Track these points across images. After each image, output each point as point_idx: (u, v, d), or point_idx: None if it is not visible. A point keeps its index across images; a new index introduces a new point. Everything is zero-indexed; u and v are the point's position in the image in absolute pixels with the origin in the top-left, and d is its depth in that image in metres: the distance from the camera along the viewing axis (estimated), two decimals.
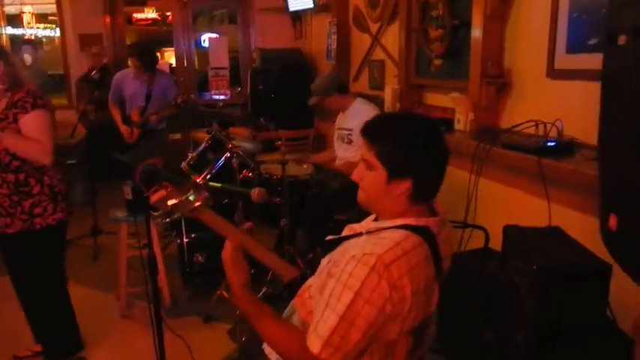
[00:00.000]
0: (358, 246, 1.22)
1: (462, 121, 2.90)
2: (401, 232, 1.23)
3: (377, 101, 3.84)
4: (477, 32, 2.79)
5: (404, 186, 1.27)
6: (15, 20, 7.31)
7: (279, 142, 3.34)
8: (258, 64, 6.02)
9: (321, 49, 5.53)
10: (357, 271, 1.16)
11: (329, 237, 1.39)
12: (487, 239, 2.23)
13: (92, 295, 3.50)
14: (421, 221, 1.27)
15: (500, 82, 2.74)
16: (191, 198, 1.53)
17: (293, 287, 1.48)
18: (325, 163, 3.82)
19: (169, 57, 8.26)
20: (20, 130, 2.29)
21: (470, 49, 2.85)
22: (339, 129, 3.59)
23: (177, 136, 6.29)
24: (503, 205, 2.56)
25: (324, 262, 1.36)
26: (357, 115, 3.39)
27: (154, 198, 1.51)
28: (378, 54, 4.34)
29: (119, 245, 3.28)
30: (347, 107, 3.53)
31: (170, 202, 1.51)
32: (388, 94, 3.84)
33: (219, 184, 2.73)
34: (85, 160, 4.85)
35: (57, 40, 7.56)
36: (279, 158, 3.25)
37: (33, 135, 2.29)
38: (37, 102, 2.33)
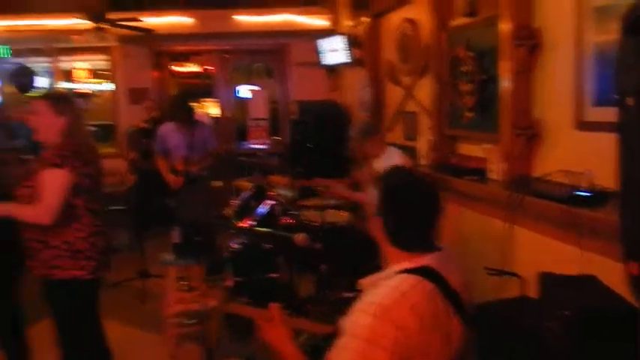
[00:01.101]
0: (363, 298, 1.31)
1: (495, 170, 2.98)
2: (398, 277, 1.31)
3: (411, 152, 3.95)
4: (505, 86, 2.90)
5: (377, 223, 1.38)
6: (69, 76, 7.83)
7: (321, 189, 3.47)
8: (297, 115, 6.25)
9: (355, 101, 5.72)
10: (361, 320, 1.24)
11: (345, 295, 1.49)
12: (523, 287, 2.24)
13: (140, 336, 3.63)
14: (416, 262, 1.33)
15: (530, 133, 2.81)
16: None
17: (329, 341, 1.55)
18: (361, 202, 3.93)
19: (209, 107, 8.62)
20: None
21: (499, 102, 2.95)
22: (374, 175, 3.73)
23: (219, 183, 6.51)
24: (537, 253, 2.57)
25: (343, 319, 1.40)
26: (388, 161, 3.53)
27: (173, 310, 1.59)
28: (412, 106, 4.47)
29: (167, 288, 3.43)
30: (380, 154, 3.67)
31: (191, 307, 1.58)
32: (422, 144, 3.94)
33: (265, 229, 2.85)
34: (133, 206, 5.08)
35: (107, 94, 8.06)
36: (319, 204, 3.37)
37: (41, 192, 2.30)
38: (57, 161, 2.31)
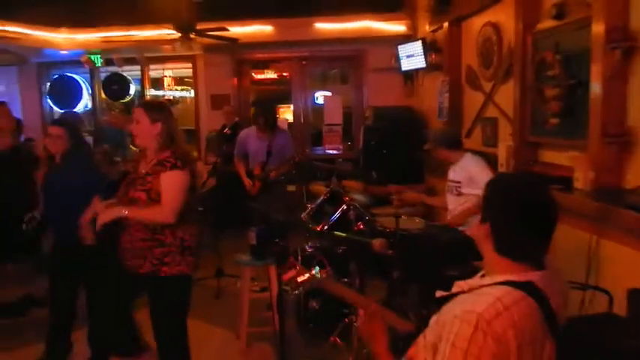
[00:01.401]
0: (460, 304, 1.27)
1: (581, 180, 2.83)
2: (501, 288, 1.26)
3: (490, 158, 3.85)
4: (596, 91, 2.76)
5: (484, 229, 1.32)
6: (157, 83, 8.35)
7: (394, 197, 3.46)
8: (371, 121, 6.26)
9: (432, 107, 5.65)
10: (462, 331, 1.20)
11: (438, 293, 1.44)
12: (610, 303, 2.13)
13: (213, 332, 3.77)
14: (523, 276, 1.28)
15: (622, 141, 2.66)
16: (317, 274, 1.67)
17: (408, 339, 1.54)
18: (437, 207, 3.88)
19: (285, 113, 8.82)
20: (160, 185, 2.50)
21: (588, 108, 2.81)
22: (449, 181, 3.67)
23: (292, 187, 6.65)
24: (627, 269, 2.43)
25: (433, 319, 1.40)
26: (464, 168, 3.50)
27: (286, 277, 1.66)
28: (492, 111, 4.36)
29: (242, 287, 3.54)
30: (456, 161, 3.61)
31: (300, 279, 1.66)
32: (502, 151, 3.83)
33: (343, 233, 2.88)
34: (212, 208, 5.30)
35: (189, 100, 8.48)
36: (393, 211, 3.36)
37: (163, 192, 2.46)
38: (177, 163, 2.48)
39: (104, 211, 2.52)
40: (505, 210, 1.29)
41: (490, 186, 1.36)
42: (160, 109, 2.63)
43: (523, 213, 1.28)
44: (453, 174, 3.63)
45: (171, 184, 2.46)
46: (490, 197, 1.34)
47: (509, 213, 1.29)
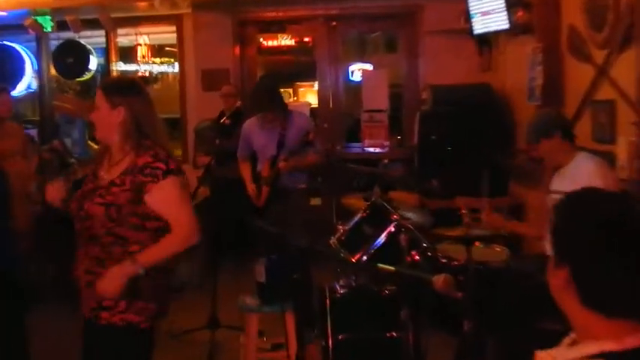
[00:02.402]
0: None
1: None
2: None
3: (605, 158, 3.78)
4: None
5: (562, 276, 1.31)
6: (128, 54, 8.47)
7: (464, 214, 3.44)
8: (430, 105, 6.25)
9: (519, 86, 5.61)
10: None
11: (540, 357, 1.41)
12: None
13: None
14: (624, 341, 1.25)
15: None
16: None
17: None
18: (531, 238, 3.83)
19: (306, 95, 8.84)
20: (146, 202, 2.52)
21: None
22: (553, 193, 3.60)
23: (317, 201, 6.69)
24: None
25: None
26: (578, 175, 3.36)
27: None
28: (606, 92, 4.31)
29: (246, 343, 3.56)
30: (565, 163, 3.53)
31: None
32: (622, 148, 3.78)
33: (391, 267, 2.87)
34: (204, 229, 5.34)
35: (171, 77, 8.59)
36: (463, 234, 3.34)
37: (169, 212, 2.53)
38: (171, 166, 2.55)
39: (110, 277, 2.47)
40: (589, 244, 1.28)
41: (562, 212, 1.35)
42: (124, 89, 2.68)
43: (616, 247, 1.26)
44: (560, 183, 3.53)
45: (177, 196, 2.55)
46: (565, 229, 1.34)
47: (595, 248, 1.27)
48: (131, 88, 2.70)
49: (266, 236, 4.07)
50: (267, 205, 4.81)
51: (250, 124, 5.02)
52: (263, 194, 4.83)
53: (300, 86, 8.73)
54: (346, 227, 3.57)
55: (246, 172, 5.03)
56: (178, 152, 7.36)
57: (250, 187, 4.94)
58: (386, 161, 6.69)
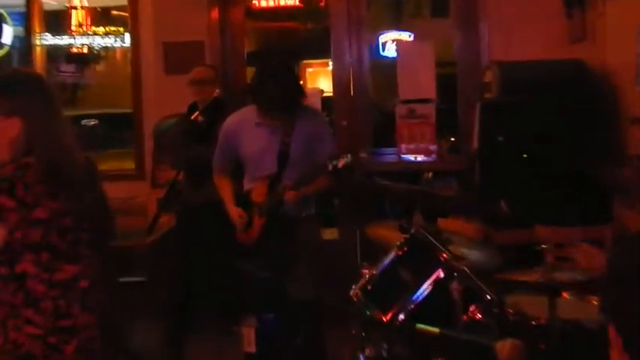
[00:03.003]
0: None
1: None
2: None
3: None
4: None
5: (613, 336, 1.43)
6: (57, 21, 8.53)
7: (545, 247, 3.43)
8: (496, 93, 6.22)
9: (625, 62, 5.60)
10: None
11: None
12: None
13: None
14: None
15: None
16: None
17: None
18: None
19: (317, 78, 8.84)
20: None
21: None
22: None
23: (332, 233, 6.67)
24: None
25: None
26: None
27: None
28: None
29: None
30: None
31: None
32: None
33: (434, 329, 2.86)
34: (168, 277, 5.33)
35: (120, 54, 8.63)
36: (542, 281, 3.31)
37: None
38: (16, 185, 2.61)
39: None
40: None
41: (615, 262, 1.48)
42: (21, 89, 2.75)
43: None
44: None
45: None
46: (615, 282, 1.44)
47: None
48: (32, 86, 2.78)
49: (258, 286, 4.08)
50: (260, 241, 4.75)
51: (236, 121, 4.98)
52: (255, 228, 4.76)
53: (308, 65, 8.74)
54: (374, 271, 3.57)
55: (225, 190, 4.96)
56: (129, 164, 7.38)
57: (234, 212, 4.85)
58: (430, 175, 6.66)
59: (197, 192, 5.51)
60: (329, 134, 5.03)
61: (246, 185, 4.95)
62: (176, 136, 6.26)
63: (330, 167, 4.43)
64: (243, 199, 4.88)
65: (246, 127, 4.90)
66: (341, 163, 4.43)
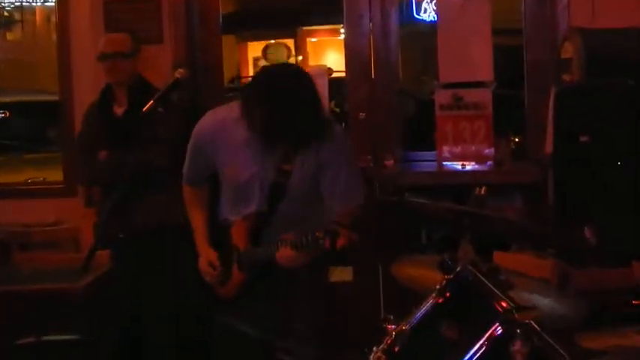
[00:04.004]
0: None
1: None
2: None
3: None
4: None
5: None
6: None
7: None
8: (579, 71, 6.27)
9: None
10: None
11: None
12: None
13: None
14: None
15: None
16: None
17: None
18: None
19: (323, 51, 8.92)
20: None
21: None
22: None
23: (344, 274, 6.70)
24: None
25: None
26: None
27: None
28: None
29: None
30: None
31: None
32: None
33: None
34: (110, 334, 5.41)
35: (40, 16, 8.69)
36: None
37: None
38: None
39: None
40: None
41: None
42: None
43: None
44: None
45: None
46: None
47: None
48: None
49: (239, 347, 4.13)
50: (244, 294, 4.74)
51: (216, 125, 4.95)
52: (233, 282, 4.78)
53: (311, 34, 8.82)
54: (404, 327, 3.61)
55: (197, 218, 5.00)
56: (55, 175, 7.45)
57: (205, 257, 4.87)
58: (484, 190, 6.68)
59: (151, 214, 5.57)
60: (348, 159, 4.92)
61: (225, 213, 4.95)
62: (86, 138, 6.36)
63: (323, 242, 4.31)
64: (219, 235, 4.90)
65: (229, 139, 4.86)
66: (341, 241, 4.36)
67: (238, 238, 4.78)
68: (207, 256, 4.85)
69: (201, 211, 5.01)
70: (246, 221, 4.79)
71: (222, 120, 4.94)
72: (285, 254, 4.50)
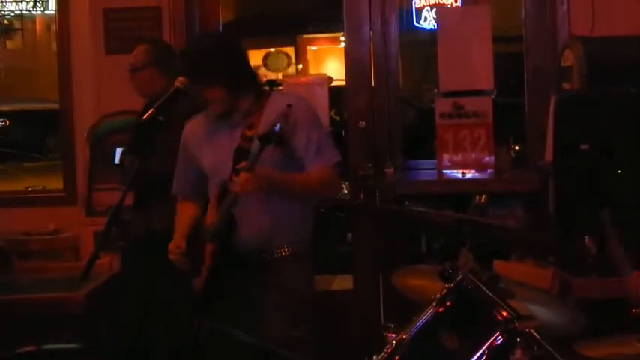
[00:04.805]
0: None
1: None
2: None
3: None
4: None
5: None
6: None
7: None
8: (579, 79, 6.26)
9: None
10: None
11: None
12: None
13: None
14: None
15: None
16: None
17: None
18: None
19: (323, 59, 8.91)
20: None
21: None
22: None
23: (342, 282, 6.69)
24: None
25: None
26: None
27: None
28: None
29: None
30: None
31: None
32: None
33: None
34: (111, 343, 5.40)
35: (41, 26, 8.68)
36: None
37: None
38: None
39: None
40: None
41: None
42: None
43: None
44: None
45: None
46: None
47: None
48: None
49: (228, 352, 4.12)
50: (218, 290, 4.74)
51: (194, 124, 5.09)
52: (206, 263, 4.68)
53: (311, 42, 8.80)
54: (404, 335, 3.60)
55: (180, 217, 5.03)
56: (55, 183, 7.44)
57: (175, 242, 4.83)
58: (484, 198, 6.72)
59: (153, 220, 5.58)
60: (310, 120, 4.88)
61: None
62: (125, 144, 6.35)
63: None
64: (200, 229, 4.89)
65: (204, 132, 5.01)
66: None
67: (210, 216, 4.79)
68: (176, 239, 4.85)
69: (186, 216, 5.04)
70: (214, 194, 4.80)
71: (196, 120, 5.12)
72: (237, 181, 4.48)
